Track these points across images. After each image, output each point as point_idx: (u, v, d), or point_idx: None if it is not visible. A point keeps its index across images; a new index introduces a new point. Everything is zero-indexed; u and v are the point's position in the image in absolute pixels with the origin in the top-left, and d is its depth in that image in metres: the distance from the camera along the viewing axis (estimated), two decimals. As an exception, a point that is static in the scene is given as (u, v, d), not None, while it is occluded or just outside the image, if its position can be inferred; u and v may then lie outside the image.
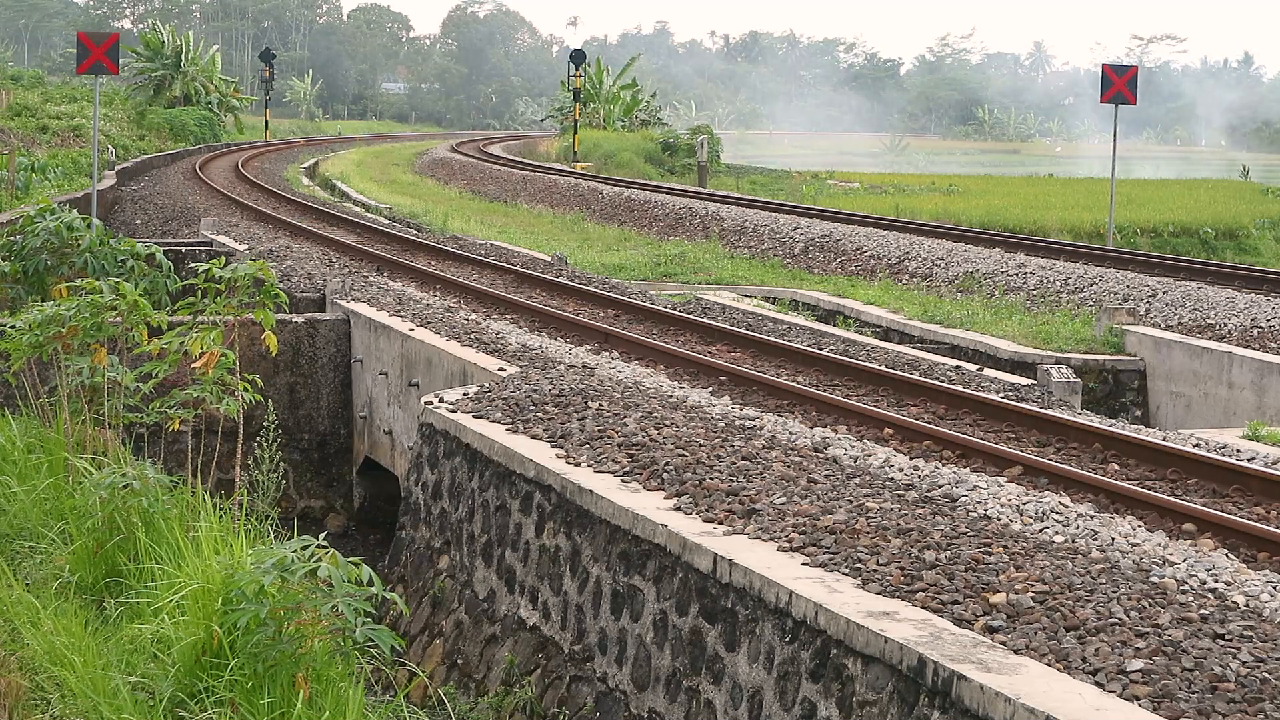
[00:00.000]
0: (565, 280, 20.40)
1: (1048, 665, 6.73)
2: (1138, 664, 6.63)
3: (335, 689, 7.19)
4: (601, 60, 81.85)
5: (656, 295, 20.51)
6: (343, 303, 18.56)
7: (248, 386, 9.70)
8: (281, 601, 7.07)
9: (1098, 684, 6.54)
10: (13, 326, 11.29)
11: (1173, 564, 8.33)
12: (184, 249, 24.80)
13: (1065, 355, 18.18)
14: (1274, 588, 7.93)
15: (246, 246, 24.73)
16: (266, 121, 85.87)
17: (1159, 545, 8.73)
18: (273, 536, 9.24)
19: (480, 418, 12.13)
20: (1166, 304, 20.74)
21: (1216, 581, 8.04)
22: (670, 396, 13.01)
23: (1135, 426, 13.07)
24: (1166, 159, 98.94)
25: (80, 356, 10.90)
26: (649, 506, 9.47)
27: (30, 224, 15.05)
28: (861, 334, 19.41)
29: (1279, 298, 20.70)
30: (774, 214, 34.38)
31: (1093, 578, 7.83)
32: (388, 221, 33.55)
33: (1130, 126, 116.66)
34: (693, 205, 36.97)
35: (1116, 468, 10.94)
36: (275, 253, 23.58)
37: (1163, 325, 19.74)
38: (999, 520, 9.15)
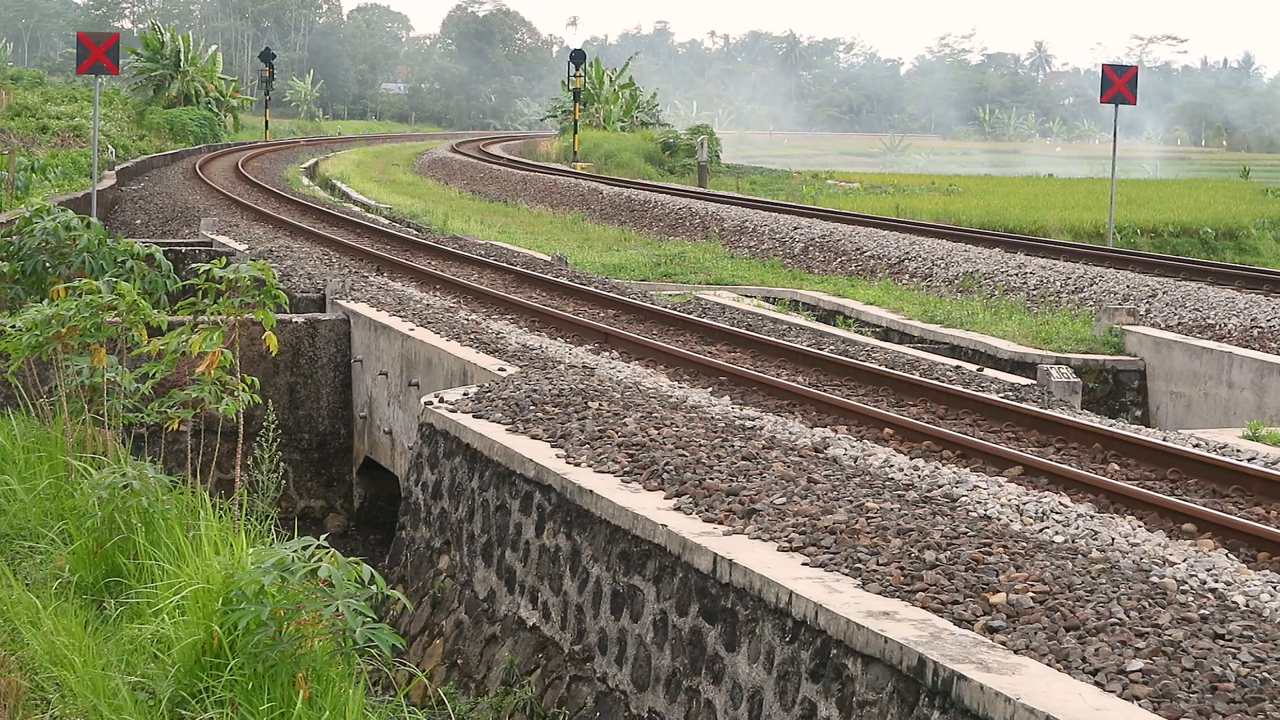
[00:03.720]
0: (565, 280, 20.40)
1: (1048, 665, 6.73)
2: (1138, 664, 6.63)
3: (335, 689, 7.18)
4: (601, 60, 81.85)
5: (656, 295, 20.50)
6: (343, 303, 18.56)
7: (245, 387, 9.69)
8: (282, 602, 7.07)
9: (1098, 684, 6.54)
10: (12, 326, 11.27)
11: (1173, 564, 8.33)
12: (184, 249, 24.79)
13: (1065, 355, 18.17)
14: (1274, 588, 7.93)
15: (246, 246, 24.72)
16: (266, 121, 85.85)
17: (1159, 545, 8.73)
18: (273, 536, 9.24)
19: (480, 418, 12.13)
20: (1166, 304, 20.73)
21: (1216, 581, 8.04)
22: (670, 396, 13.00)
23: (1135, 426, 13.06)
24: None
25: (79, 356, 10.90)
26: (649, 506, 9.47)
27: (28, 224, 15.04)
28: (861, 334, 19.40)
29: (1279, 298, 20.70)
30: (774, 214, 34.37)
31: (1093, 578, 7.83)
32: (388, 221, 33.54)
33: (1128, 128, 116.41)
34: (693, 205, 36.95)
35: (1116, 468, 10.93)
36: (275, 253, 23.58)
37: (1163, 325, 19.74)
38: (999, 520, 9.15)
